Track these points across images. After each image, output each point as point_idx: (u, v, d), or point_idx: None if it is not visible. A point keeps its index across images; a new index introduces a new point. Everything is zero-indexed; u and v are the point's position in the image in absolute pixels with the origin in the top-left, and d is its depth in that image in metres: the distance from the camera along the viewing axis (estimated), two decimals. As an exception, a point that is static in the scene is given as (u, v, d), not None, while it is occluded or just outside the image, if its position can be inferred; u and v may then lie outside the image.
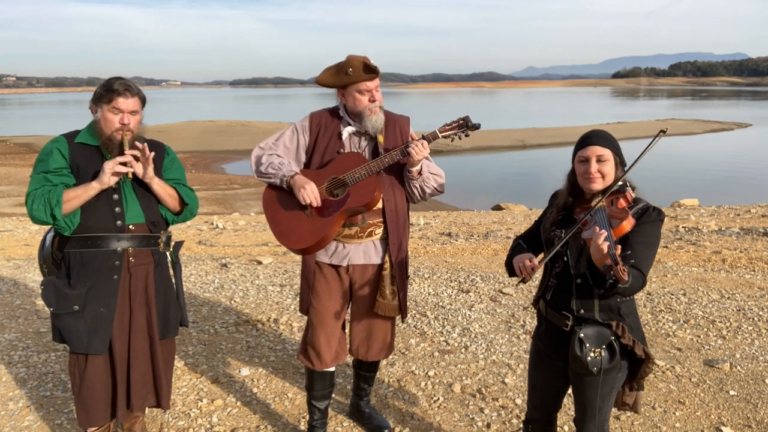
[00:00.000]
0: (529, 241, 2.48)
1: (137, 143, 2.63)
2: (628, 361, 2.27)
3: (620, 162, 2.26)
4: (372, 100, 2.82)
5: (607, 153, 2.21)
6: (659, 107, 72.42)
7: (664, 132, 2.19)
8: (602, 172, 2.21)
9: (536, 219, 2.52)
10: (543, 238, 2.39)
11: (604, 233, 1.95)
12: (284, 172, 2.84)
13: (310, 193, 2.75)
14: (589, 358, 2.17)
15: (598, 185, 2.22)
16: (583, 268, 2.19)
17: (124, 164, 2.58)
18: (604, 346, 2.18)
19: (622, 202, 2.15)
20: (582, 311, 2.22)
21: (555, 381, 2.43)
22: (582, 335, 2.18)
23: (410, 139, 2.89)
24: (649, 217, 2.17)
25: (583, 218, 2.15)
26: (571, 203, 2.32)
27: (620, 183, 2.19)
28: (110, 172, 2.55)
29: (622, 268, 1.87)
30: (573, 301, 2.23)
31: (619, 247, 1.93)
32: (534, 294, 2.52)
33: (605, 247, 1.90)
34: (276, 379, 3.89)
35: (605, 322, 2.21)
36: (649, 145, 2.17)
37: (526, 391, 3.69)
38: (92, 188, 2.58)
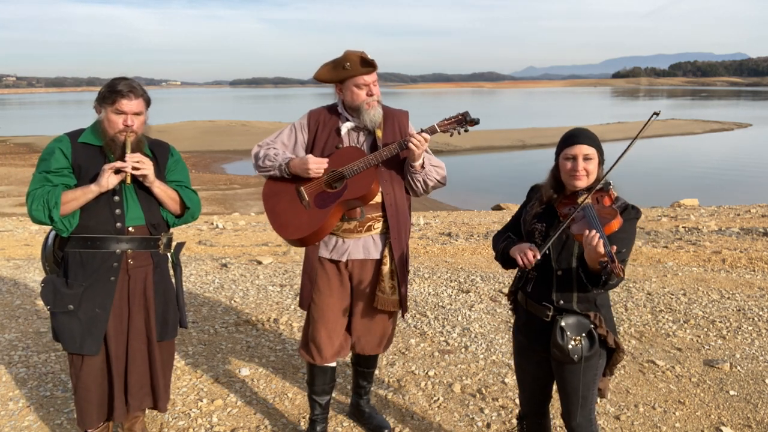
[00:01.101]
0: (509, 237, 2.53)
1: (131, 156, 2.58)
2: (605, 349, 2.36)
3: (601, 161, 2.35)
4: (370, 94, 2.83)
5: (592, 152, 2.29)
6: (659, 107, 72.18)
7: (657, 114, 2.27)
8: (587, 170, 2.29)
9: (514, 214, 2.59)
10: (524, 231, 2.45)
11: (597, 234, 2.03)
12: (280, 160, 2.87)
13: (315, 166, 2.78)
14: (570, 346, 2.26)
15: (583, 183, 2.30)
16: (565, 263, 2.28)
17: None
18: (584, 334, 2.28)
19: (607, 200, 2.24)
20: (562, 302, 2.31)
21: (540, 373, 2.49)
22: (563, 324, 2.27)
23: (409, 134, 2.90)
24: (629, 214, 2.27)
25: (570, 215, 2.21)
26: (554, 198, 2.39)
27: (605, 181, 2.28)
28: (108, 175, 2.54)
29: (620, 266, 1.96)
30: (554, 293, 2.31)
31: (615, 246, 2.02)
32: (509, 286, 2.57)
33: (601, 246, 2.00)
34: (276, 379, 3.89)
35: (583, 312, 2.30)
36: (643, 127, 2.25)
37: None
38: (90, 191, 2.56)
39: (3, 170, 23.59)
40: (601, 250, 2.00)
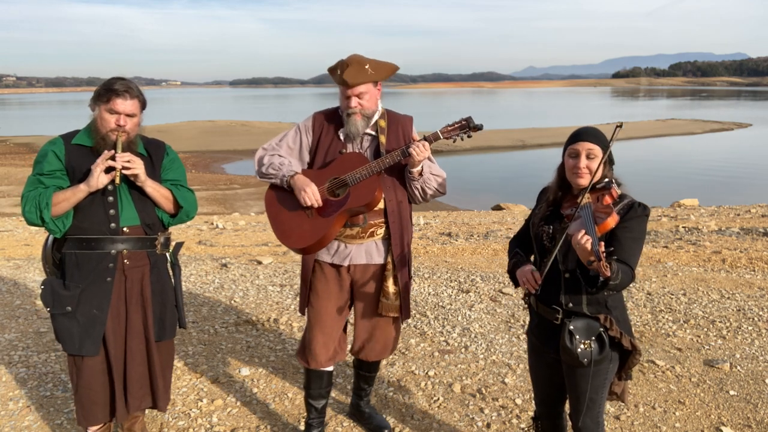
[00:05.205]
0: (523, 243, 2.52)
1: (121, 156, 2.56)
2: (618, 352, 2.32)
3: (609, 160, 2.30)
4: (352, 105, 2.79)
5: (596, 149, 2.24)
6: (659, 107, 72.37)
7: (620, 126, 2.18)
8: (590, 168, 2.24)
9: (526, 218, 2.56)
10: (532, 233, 2.43)
11: (585, 234, 2.01)
12: (284, 172, 2.84)
13: (311, 194, 2.75)
14: (579, 350, 2.23)
15: (585, 181, 2.25)
16: (572, 264, 2.25)
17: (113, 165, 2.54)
18: (593, 338, 2.24)
19: (608, 199, 2.19)
20: (571, 305, 2.28)
21: (553, 374, 2.47)
22: (572, 327, 2.24)
23: (412, 140, 2.89)
24: (635, 212, 2.22)
25: (570, 215, 2.20)
26: (560, 198, 2.36)
27: (606, 180, 2.23)
28: (97, 175, 2.53)
29: (605, 264, 1.92)
30: (562, 296, 2.29)
31: (603, 243, 1.99)
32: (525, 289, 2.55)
33: (588, 244, 1.98)
34: (276, 379, 3.89)
35: (593, 315, 2.27)
36: (610, 140, 2.21)
37: (527, 391, 3.72)
38: (80, 191, 2.55)
39: (3, 170, 23.59)
40: (588, 248, 1.98)
